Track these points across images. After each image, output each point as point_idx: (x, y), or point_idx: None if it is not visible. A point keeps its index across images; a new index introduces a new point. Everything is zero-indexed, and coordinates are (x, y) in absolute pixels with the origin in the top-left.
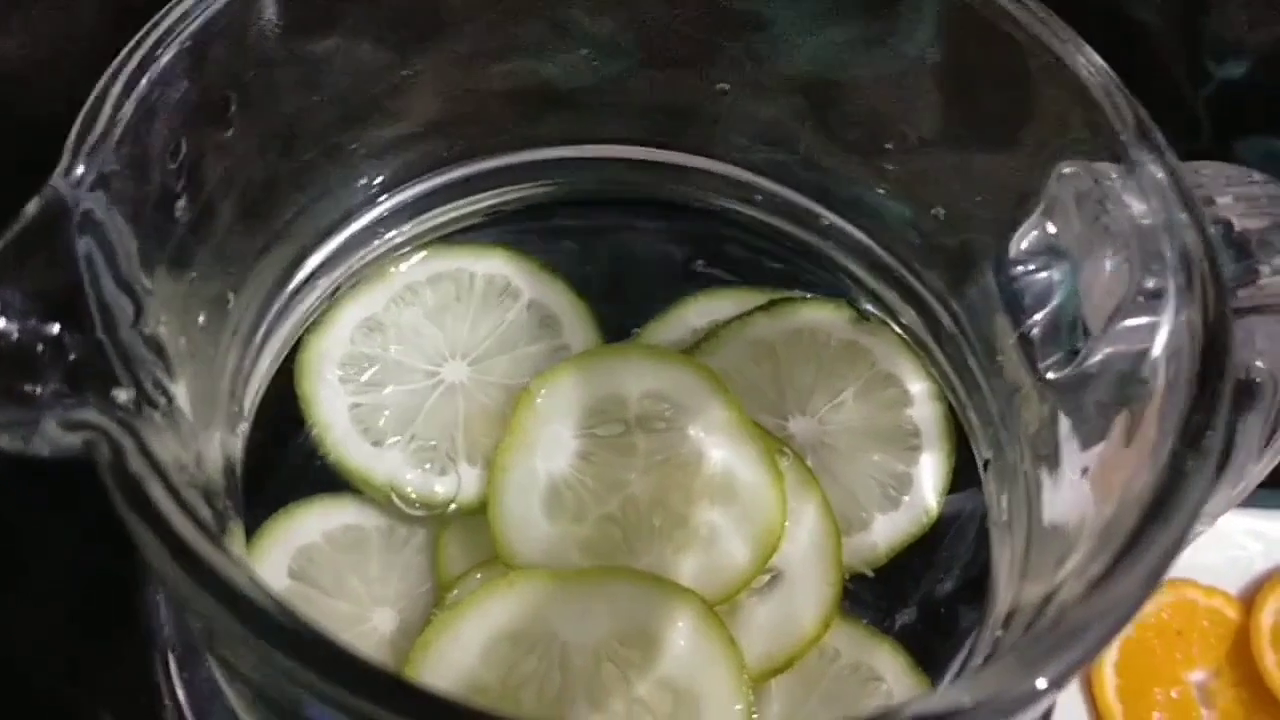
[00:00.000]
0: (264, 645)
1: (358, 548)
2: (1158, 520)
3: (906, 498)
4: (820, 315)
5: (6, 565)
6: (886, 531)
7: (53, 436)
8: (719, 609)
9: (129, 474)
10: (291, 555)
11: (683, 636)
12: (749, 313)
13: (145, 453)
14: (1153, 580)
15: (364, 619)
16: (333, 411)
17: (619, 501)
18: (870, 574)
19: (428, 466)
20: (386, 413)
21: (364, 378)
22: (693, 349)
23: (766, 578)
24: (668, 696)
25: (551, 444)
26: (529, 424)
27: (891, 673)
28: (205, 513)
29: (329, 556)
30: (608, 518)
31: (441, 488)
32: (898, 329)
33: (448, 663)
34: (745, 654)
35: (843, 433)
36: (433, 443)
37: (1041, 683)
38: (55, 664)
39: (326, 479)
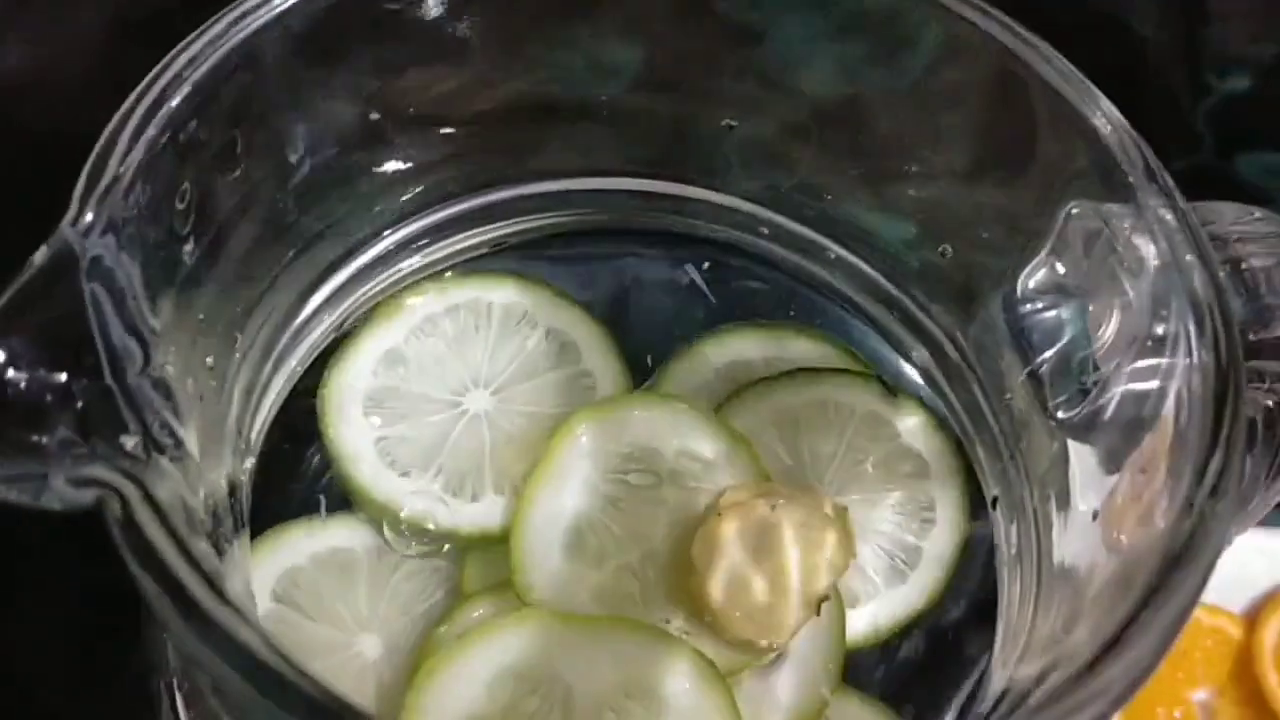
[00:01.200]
0: (271, 705)
1: (345, 572)
2: (1177, 569)
3: (914, 572)
4: (846, 388)
5: (8, 583)
6: (895, 605)
7: (62, 492)
8: None
9: (141, 534)
10: (276, 578)
11: (686, 695)
12: (774, 378)
13: (153, 507)
14: (1174, 632)
15: (349, 645)
16: (359, 445)
17: (639, 554)
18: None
19: (457, 496)
20: (413, 444)
21: (388, 410)
22: (716, 410)
23: (771, 656)
24: None
25: (582, 483)
26: (563, 458)
27: None
28: (211, 561)
29: (315, 580)
30: (626, 568)
31: (468, 518)
32: (923, 409)
33: (451, 692)
34: None
35: (859, 504)
36: (461, 473)
37: None
38: (58, 682)
39: (333, 509)
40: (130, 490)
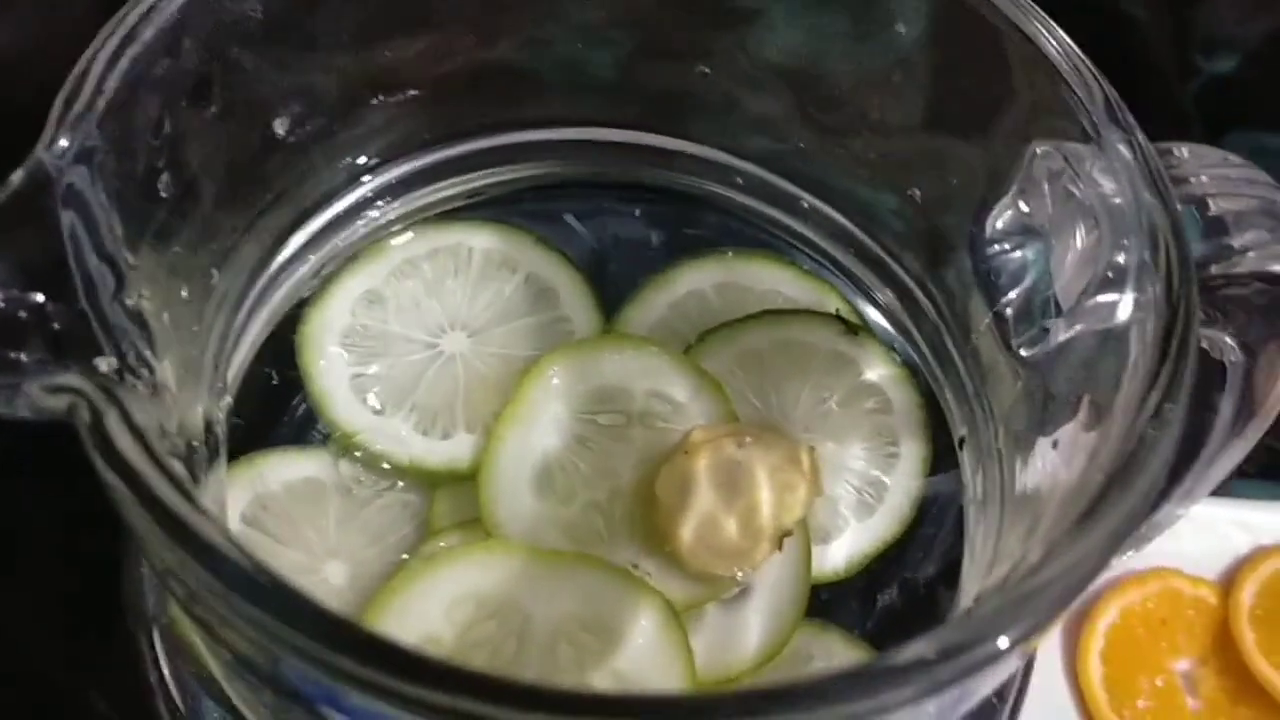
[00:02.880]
0: (237, 598)
1: (315, 500)
2: (1118, 485)
3: (882, 505)
4: (809, 327)
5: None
6: (863, 539)
7: (35, 399)
8: (682, 614)
9: (106, 433)
10: (247, 502)
11: (642, 635)
12: (740, 320)
13: (124, 415)
14: (1113, 543)
15: (315, 569)
16: (334, 382)
17: (607, 491)
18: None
19: (428, 434)
20: (387, 383)
21: (365, 349)
22: (685, 352)
23: (735, 590)
24: (615, 688)
25: (552, 422)
26: (534, 398)
27: None
28: (182, 472)
29: (285, 506)
30: (593, 505)
31: (439, 454)
32: (883, 335)
33: (410, 610)
34: (700, 662)
35: (825, 441)
36: (433, 411)
37: (1004, 641)
38: (46, 649)
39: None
40: (103, 401)
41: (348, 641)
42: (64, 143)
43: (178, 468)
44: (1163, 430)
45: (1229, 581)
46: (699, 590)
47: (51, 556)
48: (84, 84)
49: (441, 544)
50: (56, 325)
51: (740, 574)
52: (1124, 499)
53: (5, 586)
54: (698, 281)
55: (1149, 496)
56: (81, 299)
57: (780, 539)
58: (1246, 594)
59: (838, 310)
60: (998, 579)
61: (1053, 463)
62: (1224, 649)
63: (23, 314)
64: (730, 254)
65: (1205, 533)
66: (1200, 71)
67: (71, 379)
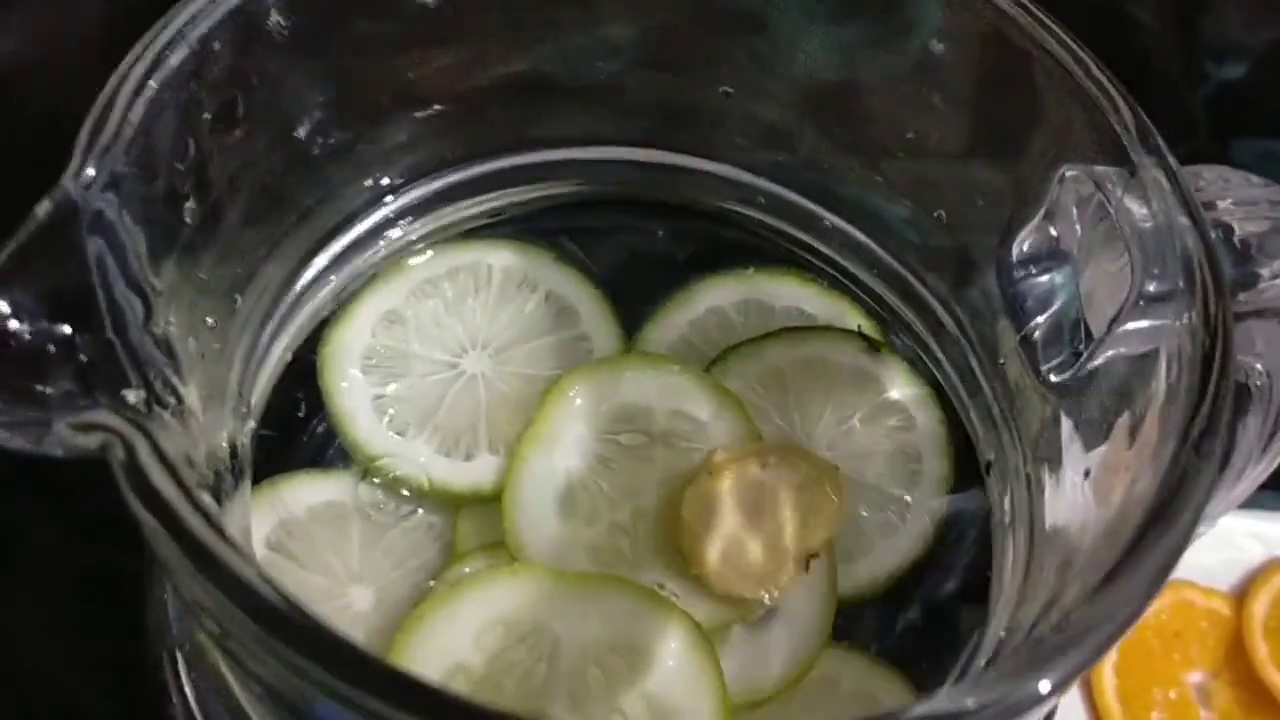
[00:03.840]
0: (271, 638)
1: (338, 524)
2: (1161, 523)
3: (906, 524)
4: (831, 344)
5: (8, 562)
6: (887, 558)
7: (64, 438)
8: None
9: (143, 475)
10: (271, 527)
11: (672, 656)
12: (761, 338)
13: (158, 452)
14: (1156, 583)
15: (339, 594)
16: (355, 403)
17: (630, 512)
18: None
19: (451, 455)
20: (409, 403)
21: (386, 369)
22: (706, 370)
23: (760, 611)
24: (646, 711)
25: (574, 443)
26: (556, 419)
27: (892, 699)
28: (213, 506)
29: (309, 530)
30: (617, 526)
31: (462, 476)
32: (906, 355)
33: (439, 637)
34: (729, 683)
35: (848, 459)
36: (456, 432)
37: (1045, 686)
38: (58, 662)
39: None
40: (134, 435)
41: (379, 681)
42: (91, 171)
43: (208, 502)
44: (1204, 461)
45: (1242, 593)
46: (725, 612)
47: (60, 568)
48: (110, 112)
49: (467, 568)
50: (84, 357)
51: (767, 596)
52: (1168, 534)
53: (14, 599)
54: (718, 299)
55: (1191, 529)
56: (109, 329)
57: (807, 560)
58: (1260, 606)
59: (860, 327)
60: (1032, 615)
61: (1085, 492)
62: (1237, 661)
63: (51, 347)
64: (751, 271)
65: (1219, 545)
66: (1209, 78)
67: (102, 415)
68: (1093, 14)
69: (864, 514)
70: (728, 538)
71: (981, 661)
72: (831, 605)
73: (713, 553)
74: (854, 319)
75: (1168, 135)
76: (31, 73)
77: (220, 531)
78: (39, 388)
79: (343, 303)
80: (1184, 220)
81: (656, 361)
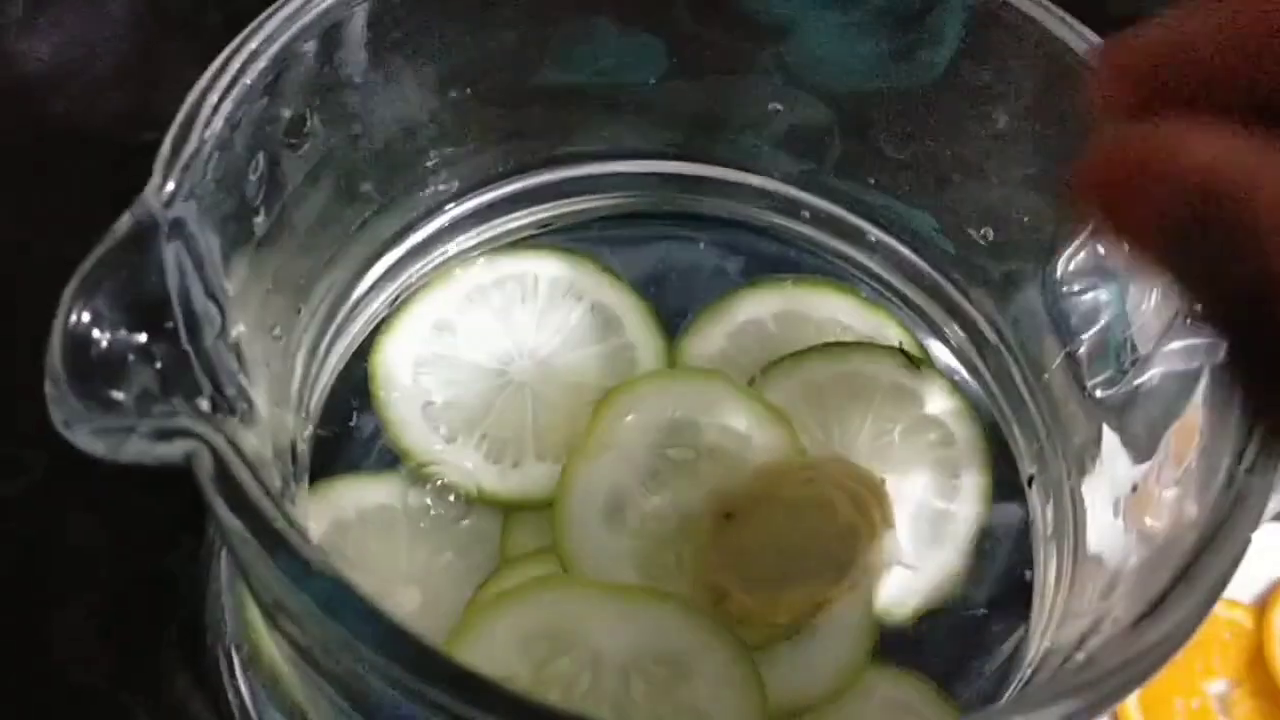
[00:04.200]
0: (356, 642)
1: (388, 527)
2: (1215, 544)
3: (947, 537)
4: (871, 359)
5: (44, 564)
6: (928, 570)
7: (145, 447)
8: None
9: (234, 481)
10: (324, 528)
11: (713, 667)
12: (802, 353)
13: (242, 458)
14: (1209, 603)
15: (388, 595)
16: (407, 410)
17: (676, 525)
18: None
19: (499, 462)
20: (458, 410)
21: (436, 377)
22: (749, 384)
23: (798, 621)
24: None
25: (624, 457)
26: (605, 431)
27: (928, 710)
28: (292, 509)
29: (360, 532)
30: (662, 539)
31: (510, 483)
32: (949, 368)
33: (487, 645)
34: (770, 695)
35: (888, 474)
36: (503, 439)
37: (1096, 707)
38: (95, 664)
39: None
40: (219, 441)
41: (456, 680)
42: (171, 186)
43: (289, 506)
44: (1259, 481)
45: (1264, 604)
46: (765, 632)
47: (97, 570)
48: (191, 130)
49: (515, 575)
50: (161, 364)
51: (810, 621)
52: (1223, 554)
53: (49, 602)
54: (756, 311)
55: (1244, 551)
56: (184, 338)
57: (852, 580)
58: None
59: (900, 343)
60: (1075, 634)
61: (1130, 510)
62: (1259, 671)
63: (130, 355)
64: (789, 283)
65: None
66: None
67: (185, 422)
68: (1114, 26)
69: (903, 527)
70: (750, 575)
71: (1025, 673)
72: (873, 619)
73: (745, 595)
74: (892, 330)
75: None
76: (63, 76)
77: (304, 533)
78: (118, 395)
79: (394, 310)
80: None
81: (704, 375)
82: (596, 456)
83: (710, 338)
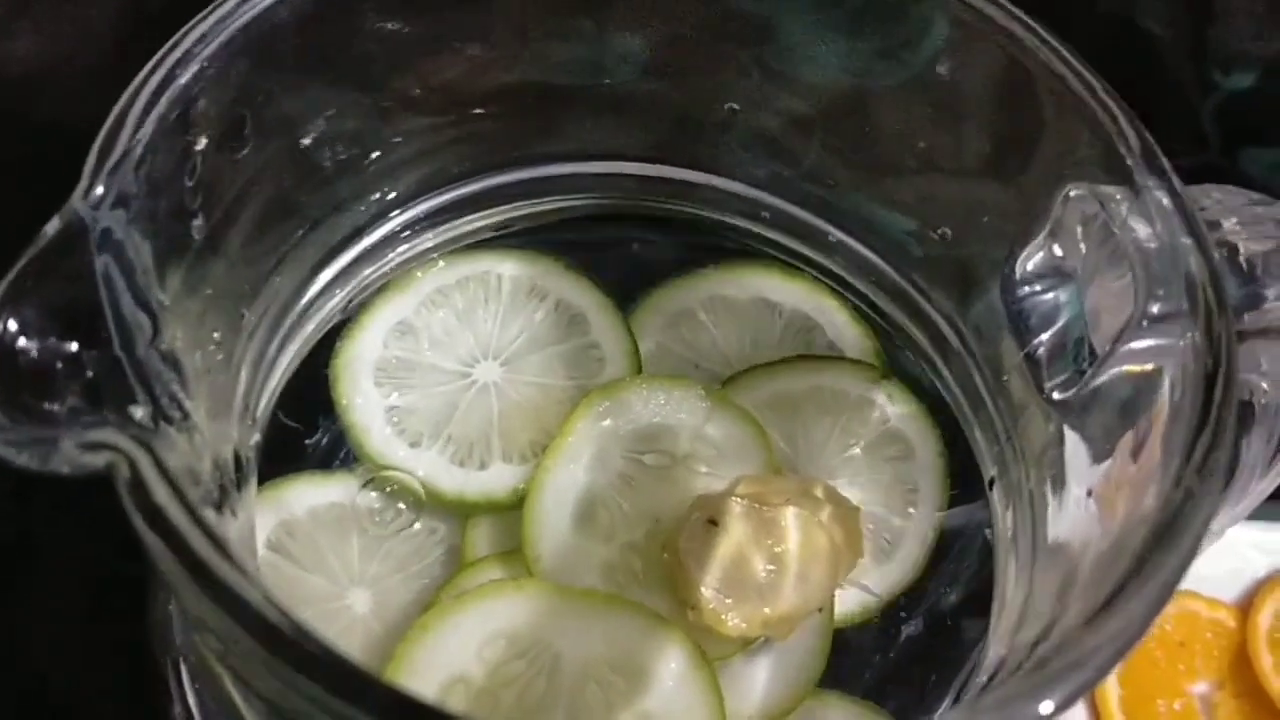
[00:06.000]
0: (277, 662)
1: (340, 527)
2: (1165, 542)
3: (902, 549)
4: (841, 373)
5: (17, 568)
6: (881, 583)
7: (71, 456)
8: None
9: (147, 493)
10: (272, 527)
11: (671, 677)
12: (774, 364)
13: (162, 470)
14: (1160, 602)
15: (339, 597)
16: (369, 415)
17: (645, 533)
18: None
19: (464, 465)
20: (422, 414)
21: (398, 380)
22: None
23: (760, 641)
24: None
25: (600, 458)
26: (582, 434)
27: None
28: (215, 522)
29: (310, 532)
30: (632, 546)
31: (476, 486)
32: (910, 370)
33: (440, 648)
34: (727, 709)
35: (848, 487)
36: (469, 441)
37: (1048, 706)
38: (63, 667)
39: None
40: (139, 455)
41: (379, 701)
42: (100, 190)
43: (212, 518)
44: (1208, 481)
45: (1247, 605)
46: (727, 644)
47: (67, 574)
48: (119, 131)
49: (474, 578)
50: (91, 373)
51: (773, 637)
52: (1172, 554)
53: (24, 602)
54: (685, 302)
55: (1195, 549)
56: (116, 345)
57: (821, 602)
58: (1264, 617)
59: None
60: (1032, 635)
61: (1088, 510)
62: (1242, 672)
63: (58, 364)
64: (710, 268)
65: (1223, 555)
66: (1218, 87)
67: (108, 435)
68: (1102, 25)
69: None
70: (730, 580)
71: (981, 679)
72: (829, 636)
73: (710, 596)
74: (822, 299)
75: (1176, 146)
76: (44, 78)
77: (224, 550)
78: (46, 405)
79: (353, 314)
80: (1187, 241)
81: (683, 383)
82: (570, 459)
83: (644, 336)
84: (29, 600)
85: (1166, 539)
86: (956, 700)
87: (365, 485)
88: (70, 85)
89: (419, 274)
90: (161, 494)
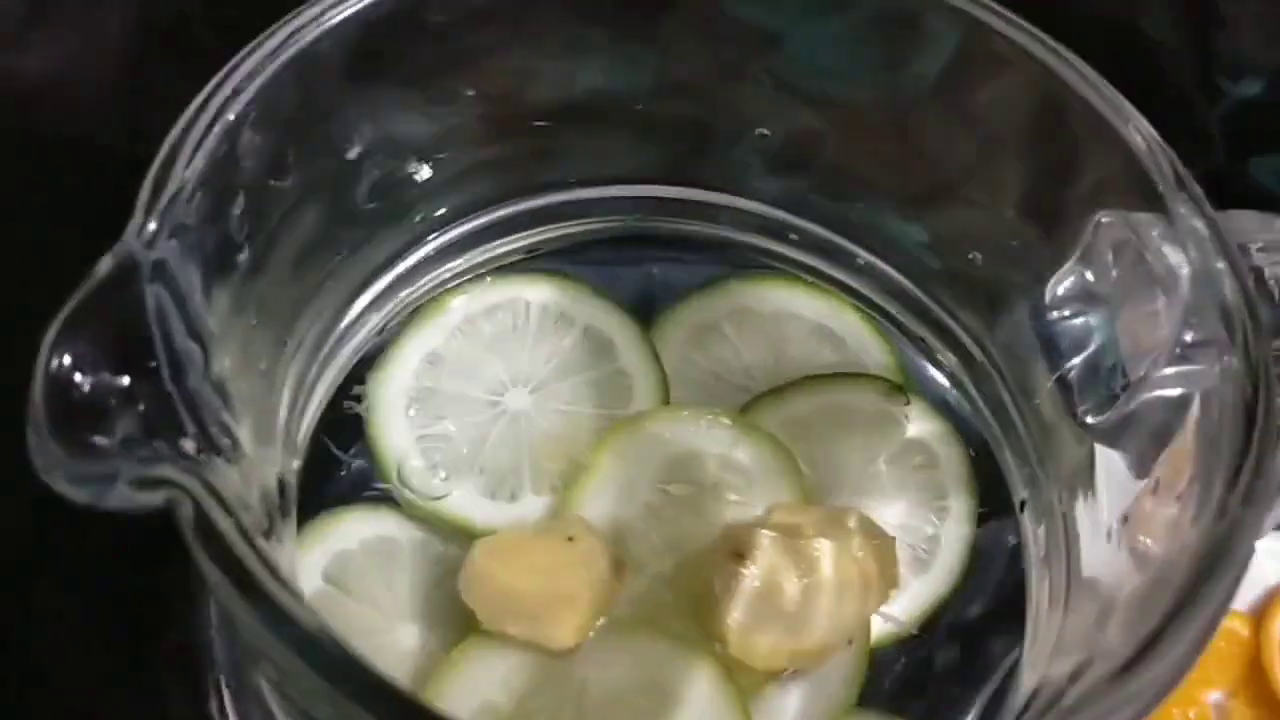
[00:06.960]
0: (338, 694)
1: (390, 560)
2: (1210, 572)
3: (936, 560)
4: (854, 389)
5: (31, 580)
6: (920, 595)
7: (127, 495)
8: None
9: (214, 531)
10: (329, 559)
11: (699, 700)
12: (783, 388)
13: (222, 505)
14: (1208, 633)
15: (388, 630)
16: (402, 445)
17: (674, 564)
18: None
19: (495, 497)
20: (454, 444)
21: (430, 410)
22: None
23: (791, 669)
24: None
25: (627, 490)
26: (608, 465)
27: None
28: (272, 553)
29: (362, 564)
30: (661, 578)
31: (506, 518)
32: (936, 395)
33: (470, 677)
34: None
35: (876, 503)
36: (501, 472)
37: None
38: (85, 678)
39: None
40: (199, 489)
41: None
42: (152, 226)
43: (266, 548)
44: (1252, 509)
45: (1260, 613)
46: (757, 675)
47: (92, 592)
48: (171, 170)
49: None
50: (142, 407)
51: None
52: (1219, 584)
53: (40, 615)
54: (707, 316)
55: (1240, 578)
56: (167, 379)
57: (849, 639)
58: (1278, 626)
59: (882, 375)
60: (1069, 668)
61: (1122, 536)
62: (1256, 681)
63: (111, 400)
64: (731, 280)
65: None
66: (1225, 95)
67: (165, 470)
68: (1107, 32)
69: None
70: (761, 617)
71: (1017, 704)
72: (863, 666)
73: (736, 630)
74: (847, 315)
75: (1184, 153)
76: (57, 92)
77: (284, 584)
78: (100, 440)
79: (384, 343)
80: (1221, 266)
81: (710, 412)
82: (597, 491)
83: (668, 349)
84: (52, 617)
85: (1213, 570)
86: (982, 715)
87: (416, 513)
88: (83, 99)
89: (447, 303)
90: (224, 528)
